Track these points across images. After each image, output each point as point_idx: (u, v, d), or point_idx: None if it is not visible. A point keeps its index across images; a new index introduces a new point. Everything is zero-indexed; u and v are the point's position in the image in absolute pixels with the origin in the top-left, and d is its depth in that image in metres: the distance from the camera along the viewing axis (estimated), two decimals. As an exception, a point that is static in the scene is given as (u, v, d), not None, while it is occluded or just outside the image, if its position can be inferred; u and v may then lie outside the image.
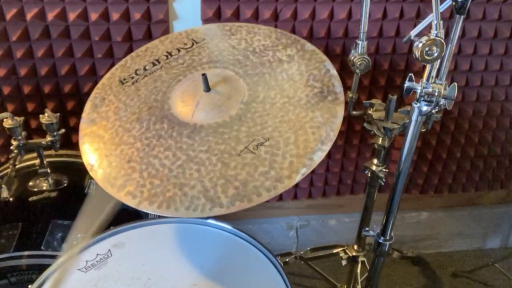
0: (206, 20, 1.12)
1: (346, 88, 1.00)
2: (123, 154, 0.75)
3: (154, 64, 0.90)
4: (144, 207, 0.69)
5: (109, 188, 0.72)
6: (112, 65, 1.13)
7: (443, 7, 0.70)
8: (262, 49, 0.88)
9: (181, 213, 0.67)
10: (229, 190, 0.67)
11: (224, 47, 0.90)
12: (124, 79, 0.88)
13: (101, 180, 0.73)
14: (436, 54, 0.67)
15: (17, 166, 1.03)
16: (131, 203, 0.69)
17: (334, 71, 0.81)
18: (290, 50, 0.87)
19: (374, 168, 1.05)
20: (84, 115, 0.83)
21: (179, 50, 0.92)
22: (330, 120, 0.74)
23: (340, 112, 0.75)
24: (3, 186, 0.95)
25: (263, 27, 0.93)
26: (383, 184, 1.08)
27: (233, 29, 0.94)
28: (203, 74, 0.80)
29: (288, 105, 0.77)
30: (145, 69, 0.89)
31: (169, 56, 0.91)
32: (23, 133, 0.97)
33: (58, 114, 0.98)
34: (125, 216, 0.98)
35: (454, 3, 0.71)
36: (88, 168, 0.75)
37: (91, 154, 0.76)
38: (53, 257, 0.81)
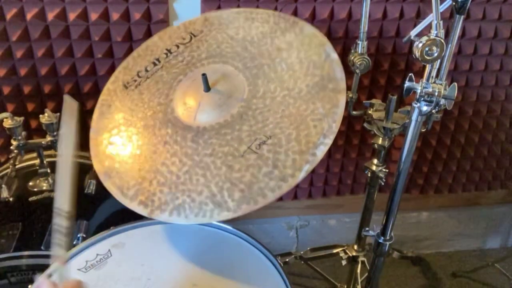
0: (206, 20, 1.12)
1: (346, 88, 1.00)
2: (133, 163, 0.75)
3: (154, 64, 0.90)
4: (156, 216, 0.69)
5: (122, 198, 0.73)
6: (112, 65, 1.14)
7: (443, 7, 0.70)
8: (261, 37, 0.86)
9: (191, 220, 0.67)
10: (235, 193, 0.68)
11: (222, 39, 0.89)
12: (128, 83, 0.88)
13: (114, 190, 0.74)
14: (436, 54, 0.67)
15: (17, 166, 1.02)
16: (144, 212, 0.70)
17: (334, 55, 0.78)
18: (288, 35, 0.84)
19: (374, 168, 1.05)
20: (93, 124, 0.84)
21: (178, 46, 0.91)
22: (332, 111, 0.72)
23: (342, 100, 0.73)
24: (3, 186, 0.95)
25: (261, 11, 0.90)
26: (383, 184, 1.08)
27: (231, 17, 0.91)
28: (203, 74, 0.80)
29: (288, 98, 0.76)
30: (146, 70, 0.89)
31: (169, 54, 0.91)
32: (23, 133, 0.97)
33: (58, 114, 0.98)
34: (125, 216, 0.98)
35: (454, 3, 0.71)
36: (101, 178, 0.76)
37: (102, 164, 0.77)
38: (53, 257, 0.81)
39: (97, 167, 0.77)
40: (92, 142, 0.81)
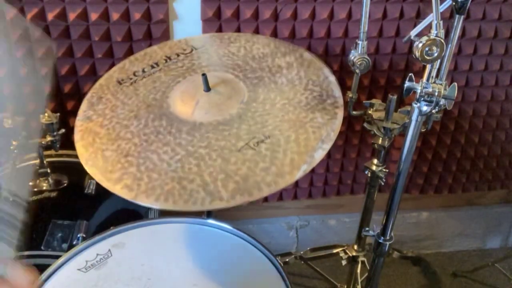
0: (206, 20, 1.12)
1: (346, 88, 1.00)
2: (120, 148, 0.75)
3: (153, 67, 0.90)
4: (141, 200, 0.68)
5: (104, 181, 0.71)
6: (112, 65, 1.13)
7: (443, 7, 0.70)
8: (261, 56, 0.89)
9: (180, 205, 0.66)
10: (229, 184, 0.67)
11: (223, 53, 0.91)
12: (122, 80, 0.88)
13: (96, 174, 0.72)
14: (436, 54, 0.67)
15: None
16: (128, 196, 0.68)
17: (332, 78, 0.82)
18: (288, 57, 0.88)
19: (374, 168, 1.05)
20: (80, 112, 0.83)
21: (178, 55, 0.92)
22: (331, 121, 0.74)
23: (340, 113, 0.75)
24: (3, 186, 0.95)
25: (262, 37, 0.95)
26: (383, 184, 1.08)
27: (232, 38, 0.95)
28: (203, 74, 0.80)
29: (288, 106, 0.77)
30: (143, 71, 0.89)
31: (168, 60, 0.91)
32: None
33: (58, 114, 0.98)
34: (125, 216, 0.98)
35: (454, 3, 0.71)
36: (83, 163, 0.75)
37: (86, 148, 0.76)
38: (53, 257, 0.81)
39: (80, 151, 0.77)
40: (77, 129, 0.80)
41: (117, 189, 0.70)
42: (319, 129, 0.73)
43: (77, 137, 0.79)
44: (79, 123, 0.81)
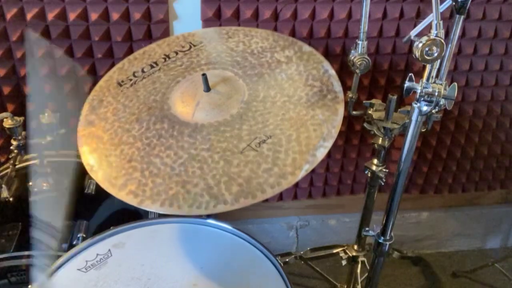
0: (206, 20, 1.12)
1: (346, 88, 1.00)
2: (123, 154, 0.75)
3: (152, 66, 0.90)
4: (146, 206, 0.68)
5: (110, 188, 0.71)
6: (112, 65, 1.13)
7: (443, 7, 0.70)
8: (260, 50, 0.88)
9: (185, 210, 0.67)
10: (233, 187, 0.67)
11: (222, 49, 0.90)
12: (122, 81, 0.88)
13: (101, 180, 0.72)
14: (436, 54, 0.67)
15: (17, 166, 1.02)
16: (133, 202, 0.69)
17: (332, 71, 0.81)
18: (288, 51, 0.87)
19: (374, 168, 1.05)
20: (81, 117, 0.83)
21: (177, 53, 0.92)
22: (331, 118, 0.73)
23: (341, 109, 0.75)
24: (3, 186, 0.95)
25: (260, 30, 0.94)
26: (383, 184, 1.08)
27: (230, 32, 0.94)
28: (203, 74, 0.80)
29: (288, 104, 0.77)
30: (143, 71, 0.89)
31: (167, 59, 0.91)
32: (23, 133, 0.97)
33: (58, 114, 0.98)
34: (125, 216, 0.98)
35: (454, 3, 0.71)
36: (88, 168, 0.75)
37: (90, 154, 0.76)
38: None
39: (84, 158, 0.77)
40: (80, 134, 0.80)
41: (122, 195, 0.70)
42: (320, 127, 0.72)
43: (80, 142, 0.79)
44: (82, 128, 0.81)
